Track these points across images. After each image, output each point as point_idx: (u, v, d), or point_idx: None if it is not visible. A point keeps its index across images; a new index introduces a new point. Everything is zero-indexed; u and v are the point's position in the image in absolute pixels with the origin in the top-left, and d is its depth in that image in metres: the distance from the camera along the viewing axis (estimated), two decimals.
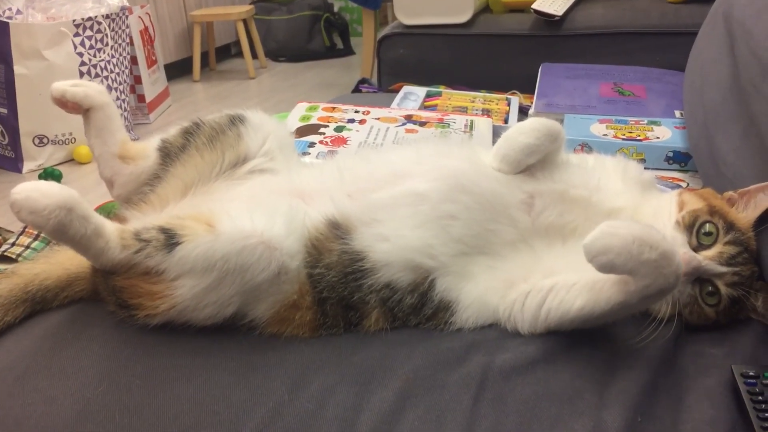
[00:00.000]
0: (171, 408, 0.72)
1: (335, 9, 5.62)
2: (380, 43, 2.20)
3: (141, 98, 3.52)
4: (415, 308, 0.84)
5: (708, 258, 0.82)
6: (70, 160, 2.96)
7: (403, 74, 2.15)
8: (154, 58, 3.73)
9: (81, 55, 2.91)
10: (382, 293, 0.83)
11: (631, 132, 1.37)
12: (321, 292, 0.82)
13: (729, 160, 1.00)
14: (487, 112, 1.64)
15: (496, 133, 1.45)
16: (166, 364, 0.78)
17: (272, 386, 0.75)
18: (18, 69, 2.74)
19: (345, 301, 0.83)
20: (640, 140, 1.33)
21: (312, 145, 1.34)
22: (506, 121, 1.60)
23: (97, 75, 2.99)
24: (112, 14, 3.04)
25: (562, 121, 1.43)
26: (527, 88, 1.82)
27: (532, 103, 1.65)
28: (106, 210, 1.31)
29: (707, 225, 0.84)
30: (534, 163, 0.90)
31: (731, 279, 0.82)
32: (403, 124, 1.45)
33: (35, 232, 1.55)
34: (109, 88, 3.05)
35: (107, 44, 3.03)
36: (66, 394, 0.74)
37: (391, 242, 0.83)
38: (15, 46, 2.72)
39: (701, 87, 1.23)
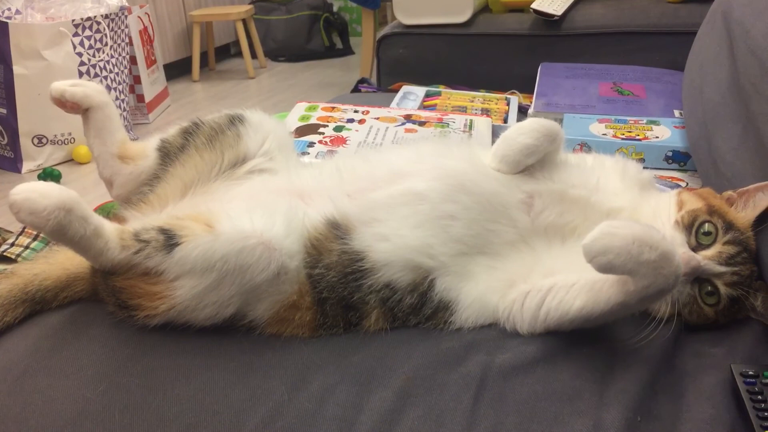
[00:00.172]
0: (171, 408, 0.72)
1: (334, 9, 5.62)
2: (380, 42, 2.20)
3: (140, 98, 3.52)
4: (415, 308, 0.84)
5: (707, 258, 0.82)
6: (70, 160, 2.96)
7: (403, 74, 2.15)
8: (153, 58, 3.73)
9: (80, 55, 2.91)
10: (381, 293, 0.83)
11: (630, 131, 1.37)
12: (321, 292, 0.82)
13: (728, 159, 1.00)
14: (486, 112, 1.64)
15: (496, 132, 1.45)
16: (165, 364, 0.78)
17: (272, 386, 0.75)
18: (17, 69, 2.74)
19: (345, 301, 0.83)
20: (639, 140, 1.33)
21: (311, 144, 1.34)
22: (505, 121, 1.60)
23: (96, 75, 2.98)
24: (111, 14, 3.04)
25: (561, 121, 1.43)
26: (526, 88, 1.82)
27: (531, 102, 1.65)
28: (105, 210, 1.31)
29: (706, 225, 0.84)
30: (533, 163, 0.90)
31: (730, 279, 0.82)
32: (403, 123, 1.45)
33: (34, 233, 1.55)
34: (109, 88, 3.05)
35: (106, 44, 3.03)
36: (66, 394, 0.74)
37: (390, 242, 0.83)
38: (14, 46, 2.71)
39: (700, 86, 1.23)
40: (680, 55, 1.51)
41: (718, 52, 1.16)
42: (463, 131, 1.44)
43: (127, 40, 3.25)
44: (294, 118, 1.48)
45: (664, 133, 1.35)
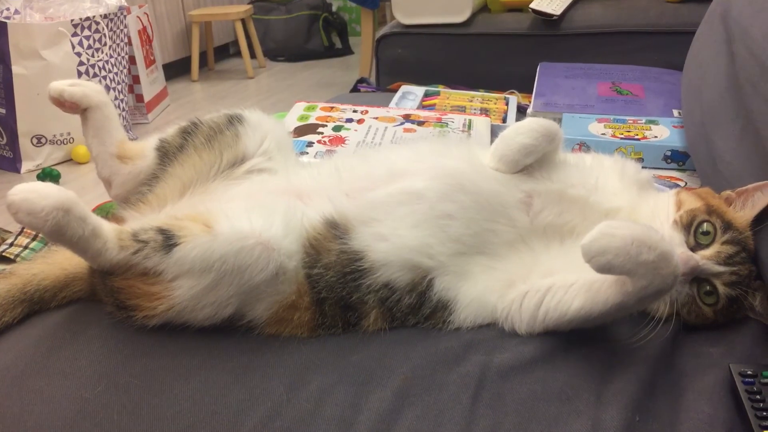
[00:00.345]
0: (169, 408, 0.72)
1: (333, 8, 5.62)
2: (378, 42, 2.20)
3: (139, 98, 3.52)
4: (414, 308, 0.84)
5: (706, 257, 0.82)
6: (69, 160, 2.96)
7: (402, 74, 2.14)
8: (152, 57, 3.73)
9: (79, 54, 2.91)
10: (380, 293, 0.83)
11: (629, 131, 1.37)
12: (319, 292, 0.82)
13: (726, 159, 1.00)
14: (485, 112, 1.64)
15: (495, 132, 1.45)
16: (164, 364, 0.78)
17: (271, 386, 0.75)
18: (16, 69, 2.74)
19: (343, 301, 0.83)
20: (638, 139, 1.33)
21: (310, 144, 1.34)
22: (504, 121, 1.60)
23: (95, 75, 2.98)
24: (110, 14, 3.04)
25: (560, 121, 1.43)
26: (525, 88, 1.82)
27: (530, 102, 1.65)
28: (104, 210, 1.31)
29: (705, 224, 0.84)
30: (532, 163, 0.90)
31: (729, 278, 0.82)
32: (402, 123, 1.45)
33: (33, 233, 1.55)
34: (108, 87, 3.05)
35: (105, 44, 3.03)
36: (64, 394, 0.74)
37: (389, 242, 0.83)
38: (13, 46, 2.71)
39: (699, 86, 1.23)
40: (679, 54, 1.51)
41: (716, 51, 1.16)
42: (462, 131, 1.44)
43: (126, 40, 3.25)
44: (293, 117, 1.48)
45: (663, 133, 1.36)
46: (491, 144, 0.93)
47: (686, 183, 1.24)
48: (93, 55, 2.97)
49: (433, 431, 0.69)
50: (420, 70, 2.12)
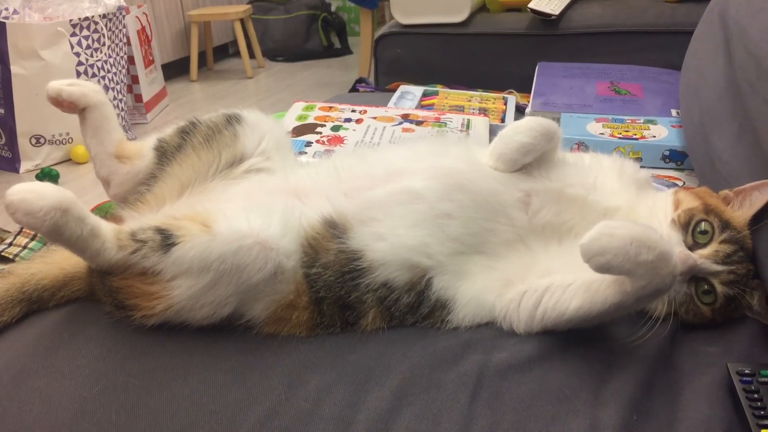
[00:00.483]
0: (168, 408, 0.72)
1: (332, 8, 5.62)
2: (377, 42, 2.20)
3: (138, 98, 3.52)
4: (412, 307, 0.84)
5: (704, 257, 0.82)
6: (67, 160, 2.96)
7: (400, 73, 2.14)
8: (151, 57, 3.73)
9: (78, 54, 2.91)
10: (379, 292, 0.83)
11: (627, 131, 1.37)
12: (318, 291, 0.82)
13: (725, 158, 1.00)
14: (483, 111, 1.64)
15: (493, 132, 1.45)
16: (162, 363, 0.78)
17: (269, 385, 0.75)
18: (15, 69, 2.74)
19: (342, 301, 0.83)
20: (636, 139, 1.33)
21: (309, 144, 1.34)
22: (503, 120, 1.60)
23: (94, 75, 2.98)
24: (109, 14, 3.03)
25: (558, 120, 1.43)
26: (524, 87, 1.82)
27: (528, 102, 1.65)
28: (103, 210, 1.31)
29: (703, 224, 0.84)
30: (531, 162, 0.90)
31: (727, 277, 0.82)
32: (400, 123, 1.45)
33: (33, 232, 1.55)
34: (106, 87, 3.05)
35: (104, 44, 3.03)
36: (62, 394, 0.74)
37: (387, 241, 0.83)
38: (12, 46, 2.71)
39: (697, 86, 1.23)
40: (677, 54, 1.51)
41: (714, 51, 1.16)
42: (461, 131, 1.44)
43: (124, 40, 3.25)
44: (291, 117, 1.48)
45: (661, 133, 1.36)
46: (490, 143, 0.93)
47: (684, 182, 1.24)
48: (92, 55, 2.97)
49: (432, 430, 0.69)
50: (418, 70, 2.12)
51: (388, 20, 2.42)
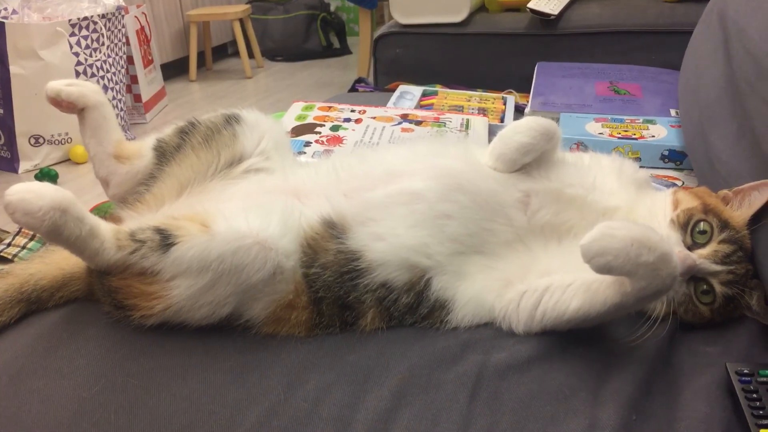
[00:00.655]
0: (167, 408, 0.72)
1: (332, 8, 5.62)
2: (376, 42, 2.20)
3: (137, 98, 3.51)
4: (411, 307, 0.84)
5: (703, 256, 0.82)
6: (66, 160, 2.96)
7: (400, 73, 2.15)
8: (150, 57, 3.73)
9: (77, 54, 2.91)
10: (378, 293, 0.83)
11: (626, 131, 1.37)
12: (317, 291, 0.82)
13: (724, 158, 1.00)
14: (483, 111, 1.64)
15: (492, 132, 1.45)
16: (161, 363, 0.78)
17: (268, 385, 0.75)
18: (14, 69, 2.74)
19: (341, 301, 0.83)
20: (635, 139, 1.33)
21: (308, 144, 1.34)
22: (502, 120, 1.60)
23: (93, 75, 2.98)
24: (108, 14, 3.03)
25: (557, 120, 1.43)
26: (523, 87, 1.82)
27: (528, 102, 1.65)
28: (102, 210, 1.31)
29: (702, 224, 0.84)
30: (530, 162, 0.90)
31: (726, 277, 0.82)
32: (399, 123, 1.45)
33: (31, 233, 1.55)
34: (105, 87, 3.04)
35: (103, 44, 3.03)
36: (61, 394, 0.74)
37: (386, 241, 0.83)
38: (11, 45, 2.71)
39: (696, 86, 1.23)
40: (676, 54, 1.52)
41: (713, 51, 1.16)
42: (460, 131, 1.44)
43: (124, 40, 3.24)
44: (291, 117, 1.48)
45: (661, 132, 1.36)
46: (489, 143, 0.93)
47: (683, 182, 1.24)
48: (91, 55, 2.97)
49: (431, 430, 0.69)
50: (418, 70, 2.12)
51: (388, 20, 2.42)
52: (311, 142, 1.35)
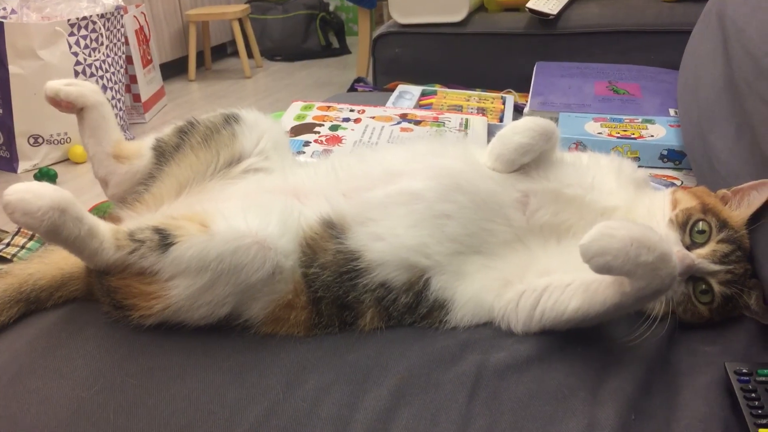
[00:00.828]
0: (166, 407, 0.72)
1: (331, 8, 5.61)
2: (375, 42, 2.20)
3: (136, 98, 3.51)
4: (410, 307, 0.84)
5: (701, 256, 0.82)
6: (66, 160, 2.96)
7: (399, 73, 2.15)
8: (149, 57, 3.72)
9: (76, 54, 2.90)
10: (377, 292, 0.83)
11: (625, 130, 1.37)
12: (316, 291, 0.82)
13: (722, 158, 1.00)
14: (482, 111, 1.64)
15: (491, 131, 1.45)
16: (160, 363, 0.78)
17: (267, 385, 0.75)
18: (13, 69, 2.73)
19: (340, 301, 0.83)
20: (634, 138, 1.33)
21: (307, 144, 1.34)
22: (501, 120, 1.60)
23: (92, 74, 2.98)
24: (107, 14, 3.03)
25: (556, 120, 1.43)
26: (522, 87, 1.82)
27: (527, 101, 1.65)
28: (101, 210, 1.31)
29: (700, 223, 0.84)
30: (529, 162, 0.90)
31: (724, 277, 0.82)
32: (398, 123, 1.45)
33: (30, 232, 1.55)
34: (104, 87, 3.04)
35: (102, 44, 3.02)
36: (60, 394, 0.74)
37: (385, 241, 0.83)
38: (10, 45, 2.71)
39: (695, 85, 1.23)
40: (675, 54, 1.52)
41: (712, 51, 1.16)
42: (459, 130, 1.44)
43: (123, 40, 3.24)
44: (290, 117, 1.48)
45: (660, 132, 1.36)
46: (488, 143, 0.93)
47: (682, 182, 1.24)
48: (90, 55, 2.97)
49: (430, 430, 0.69)
50: (417, 70, 2.13)
51: (387, 20, 2.42)
52: (310, 142, 1.35)
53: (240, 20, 4.61)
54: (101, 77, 3.03)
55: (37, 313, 0.88)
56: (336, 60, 5.17)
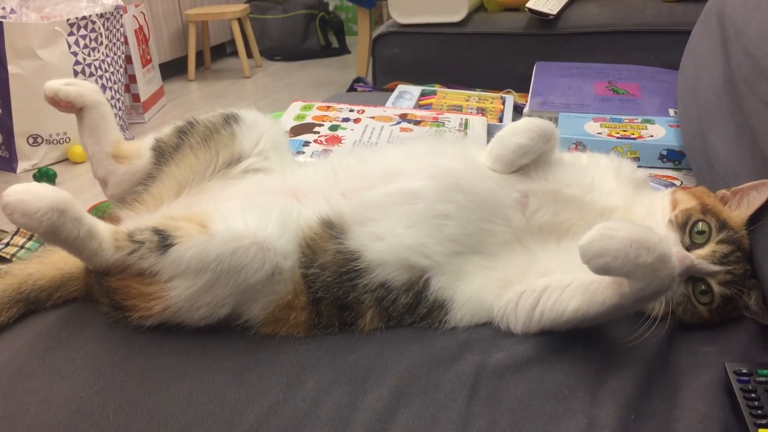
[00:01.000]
0: (165, 408, 0.72)
1: (330, 8, 5.61)
2: (375, 41, 2.20)
3: (136, 97, 3.51)
4: (410, 307, 0.84)
5: (701, 257, 0.82)
6: (65, 160, 2.95)
7: (398, 73, 2.14)
8: (148, 57, 3.72)
9: (75, 54, 2.90)
10: (376, 293, 0.83)
11: (625, 130, 1.37)
12: (316, 292, 0.82)
13: (722, 158, 1.00)
14: (481, 111, 1.64)
15: (491, 131, 1.45)
16: (160, 364, 0.78)
17: (267, 385, 0.75)
18: (12, 68, 2.73)
19: (340, 301, 0.83)
20: (634, 138, 1.33)
21: (306, 144, 1.34)
22: (501, 120, 1.60)
23: (91, 74, 2.98)
24: (106, 13, 3.03)
25: (556, 120, 1.43)
26: (522, 87, 1.82)
27: (526, 101, 1.65)
28: (100, 210, 1.31)
29: (700, 224, 0.84)
30: (528, 163, 0.90)
31: (724, 278, 0.82)
32: (398, 123, 1.45)
33: (30, 232, 1.55)
34: (104, 87, 3.04)
35: (102, 43, 3.02)
36: (60, 394, 0.74)
37: (385, 241, 0.83)
38: (9, 45, 2.71)
39: (695, 85, 1.23)
40: (675, 54, 1.52)
41: (712, 51, 1.16)
42: (459, 130, 1.44)
43: (122, 40, 3.24)
44: (289, 117, 1.48)
45: (659, 132, 1.36)
46: (488, 144, 0.93)
47: (682, 182, 1.24)
48: (89, 55, 2.96)
49: (430, 430, 0.69)
50: (416, 70, 2.12)
51: (386, 20, 2.42)
52: (310, 142, 1.35)
53: (239, 20, 4.60)
54: (100, 77, 3.03)
55: (36, 314, 0.88)
56: (335, 60, 5.16)
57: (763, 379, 0.72)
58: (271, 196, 0.90)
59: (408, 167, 0.91)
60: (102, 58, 3.03)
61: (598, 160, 0.98)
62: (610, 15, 2.01)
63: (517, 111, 1.70)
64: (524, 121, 0.91)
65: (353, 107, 1.53)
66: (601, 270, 0.70)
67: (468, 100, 1.74)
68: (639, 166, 1.01)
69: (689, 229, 0.84)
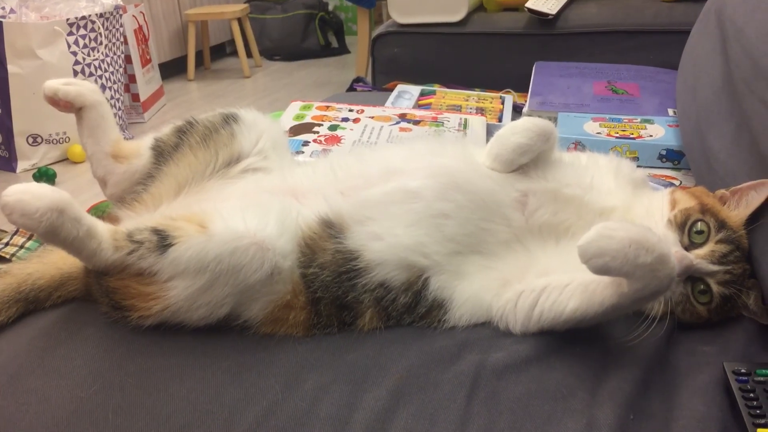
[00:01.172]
0: (165, 407, 0.72)
1: (330, 8, 5.61)
2: (375, 41, 2.20)
3: (135, 97, 3.51)
4: (409, 307, 0.84)
5: (700, 257, 0.82)
6: (65, 160, 2.95)
7: (398, 73, 2.15)
8: (148, 57, 3.72)
9: (75, 54, 2.90)
10: (376, 292, 0.83)
11: (624, 130, 1.37)
12: (315, 291, 0.82)
13: (721, 158, 1.00)
14: (481, 111, 1.64)
15: (490, 131, 1.45)
16: (159, 363, 0.78)
17: (266, 385, 0.75)
18: (11, 68, 2.73)
19: (339, 301, 0.83)
20: (633, 138, 1.33)
21: (306, 143, 1.34)
22: (500, 120, 1.60)
23: (91, 74, 2.98)
24: (106, 13, 3.03)
25: (555, 120, 1.43)
26: (521, 87, 1.82)
27: (526, 101, 1.65)
28: (100, 210, 1.31)
29: (699, 223, 0.84)
30: (527, 162, 0.90)
31: (723, 277, 0.82)
32: (397, 122, 1.45)
33: (29, 232, 1.55)
34: (103, 87, 3.04)
35: (101, 43, 3.02)
36: (59, 394, 0.74)
37: (384, 241, 0.83)
38: (9, 45, 2.71)
39: (694, 85, 1.23)
40: (674, 53, 1.52)
41: (711, 51, 1.16)
42: (458, 130, 1.44)
43: (122, 39, 3.24)
44: (289, 117, 1.48)
45: (658, 132, 1.36)
46: (487, 143, 0.93)
47: (681, 182, 1.24)
48: (89, 55, 2.96)
49: (429, 430, 0.69)
50: (416, 70, 2.13)
51: (386, 19, 2.42)
52: (309, 142, 1.35)
53: (239, 20, 4.60)
54: (100, 77, 3.03)
55: (35, 313, 0.88)
56: (335, 60, 5.17)
57: (762, 378, 0.72)
58: (271, 195, 0.90)
59: (407, 167, 0.91)
60: (101, 57, 3.03)
61: (597, 160, 0.98)
62: (609, 15, 2.01)
63: (517, 111, 1.70)
64: (523, 121, 0.91)
65: (352, 107, 1.53)
66: (600, 270, 0.70)
67: (467, 100, 1.74)
68: (638, 166, 1.01)
69: (688, 229, 0.84)
